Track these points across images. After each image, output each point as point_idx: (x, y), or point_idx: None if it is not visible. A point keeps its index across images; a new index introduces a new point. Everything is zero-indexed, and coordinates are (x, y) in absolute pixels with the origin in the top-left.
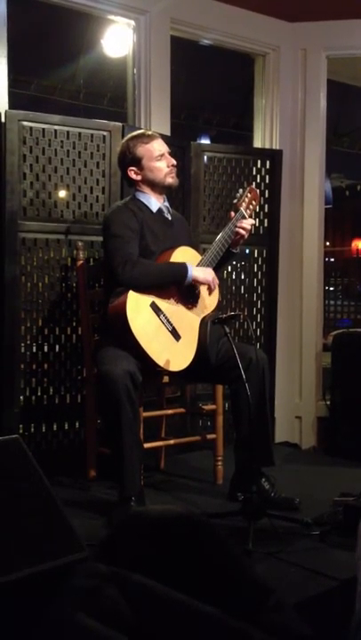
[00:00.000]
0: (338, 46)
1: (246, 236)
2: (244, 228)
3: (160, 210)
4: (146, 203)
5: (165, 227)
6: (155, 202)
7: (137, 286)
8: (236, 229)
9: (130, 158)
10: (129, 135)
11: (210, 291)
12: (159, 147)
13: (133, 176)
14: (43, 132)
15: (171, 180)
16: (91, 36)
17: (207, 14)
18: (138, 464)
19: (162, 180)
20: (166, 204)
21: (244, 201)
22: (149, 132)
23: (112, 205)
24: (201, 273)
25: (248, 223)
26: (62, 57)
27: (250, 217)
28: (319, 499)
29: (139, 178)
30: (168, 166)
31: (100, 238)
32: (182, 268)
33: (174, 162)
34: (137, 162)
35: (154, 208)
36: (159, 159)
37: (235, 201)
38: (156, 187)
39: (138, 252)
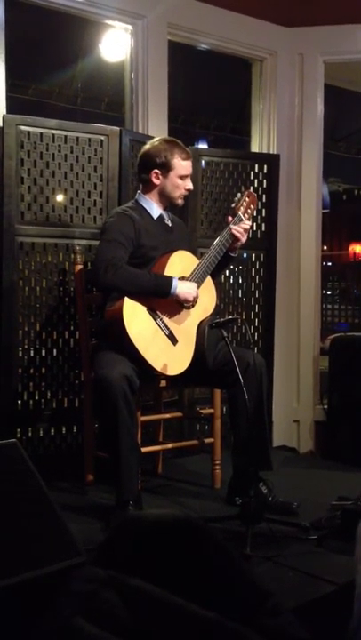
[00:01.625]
0: (335, 51)
1: (244, 240)
2: (240, 231)
3: (161, 216)
4: (147, 209)
5: (166, 233)
6: (156, 209)
7: (115, 291)
8: (233, 232)
9: (162, 162)
10: (169, 138)
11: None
12: (189, 168)
13: (154, 179)
14: (40, 137)
15: (180, 201)
16: (88, 41)
17: (204, 19)
18: (135, 468)
19: (175, 198)
20: (167, 210)
21: (241, 205)
22: (188, 150)
23: (113, 210)
24: (184, 290)
25: (244, 226)
26: (60, 61)
27: (248, 221)
28: (317, 503)
29: (157, 182)
30: (185, 188)
31: (98, 242)
32: (166, 284)
33: (191, 187)
34: (166, 170)
35: (155, 215)
36: (183, 179)
37: (232, 205)
38: (165, 199)
39: (126, 259)
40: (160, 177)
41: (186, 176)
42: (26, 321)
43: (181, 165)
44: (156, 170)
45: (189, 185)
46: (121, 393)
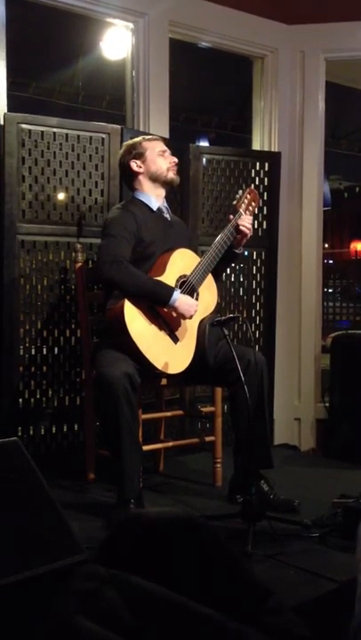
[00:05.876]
0: (336, 48)
1: (249, 234)
2: (244, 226)
3: (160, 209)
4: (145, 201)
5: (165, 227)
6: (154, 201)
7: (115, 288)
8: (239, 225)
9: (134, 153)
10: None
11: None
12: (162, 145)
13: (136, 168)
14: (41, 135)
15: (173, 175)
16: (89, 39)
17: (205, 17)
18: (137, 466)
19: (164, 173)
20: (166, 204)
21: (243, 202)
22: (153, 135)
23: (113, 207)
24: (184, 305)
25: (247, 220)
26: (61, 59)
27: (249, 217)
28: (319, 500)
29: (141, 170)
30: (170, 162)
31: (99, 241)
32: (166, 294)
33: (176, 160)
34: (140, 155)
35: (154, 206)
36: (161, 154)
37: (234, 202)
38: (158, 181)
39: (129, 255)
40: (140, 164)
41: (163, 152)
42: (27, 319)
43: (151, 144)
44: (134, 160)
45: (173, 158)
46: (122, 391)
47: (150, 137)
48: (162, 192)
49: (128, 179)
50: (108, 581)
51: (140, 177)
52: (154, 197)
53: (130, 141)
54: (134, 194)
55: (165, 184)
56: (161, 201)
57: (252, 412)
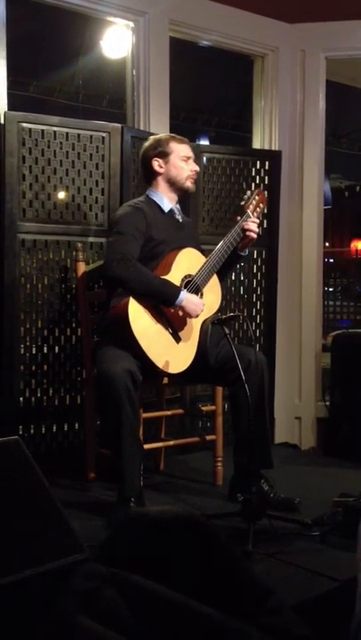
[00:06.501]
0: (337, 47)
1: (255, 237)
2: (250, 229)
3: (171, 210)
4: (158, 202)
5: (175, 229)
6: (167, 202)
7: (122, 286)
8: (245, 227)
9: (159, 151)
10: (163, 134)
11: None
12: (188, 151)
13: (156, 168)
14: (42, 134)
15: (190, 184)
16: (90, 38)
17: (206, 15)
18: (138, 465)
19: (182, 180)
20: (178, 206)
21: (251, 203)
22: (183, 138)
23: (123, 204)
24: (190, 304)
25: (254, 223)
26: (61, 58)
27: (256, 219)
28: (319, 499)
29: (161, 171)
30: (191, 170)
31: (100, 240)
32: (173, 294)
33: (197, 168)
34: (164, 155)
35: (166, 208)
36: (185, 160)
37: (242, 203)
38: (174, 186)
39: (138, 254)
40: (162, 164)
41: (187, 157)
42: (28, 318)
43: (178, 147)
44: (156, 158)
45: (195, 166)
46: (124, 388)
47: (180, 138)
48: (175, 196)
49: (146, 173)
50: (108, 580)
51: (159, 178)
52: (167, 199)
53: (158, 136)
54: (148, 192)
55: (180, 190)
56: (173, 203)
57: (253, 412)
